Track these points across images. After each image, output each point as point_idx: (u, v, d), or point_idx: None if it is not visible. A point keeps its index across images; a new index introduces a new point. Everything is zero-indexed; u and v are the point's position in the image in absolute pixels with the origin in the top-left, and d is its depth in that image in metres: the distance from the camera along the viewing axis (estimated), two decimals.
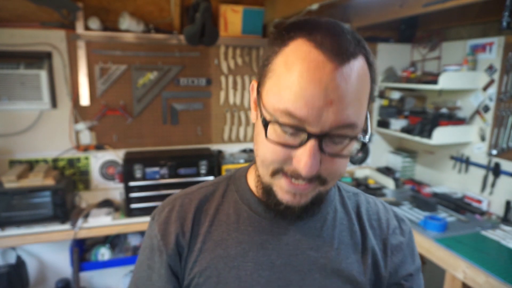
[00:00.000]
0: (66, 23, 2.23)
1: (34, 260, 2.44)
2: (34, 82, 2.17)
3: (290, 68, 0.49)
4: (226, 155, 2.65)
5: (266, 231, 0.62)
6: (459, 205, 2.17)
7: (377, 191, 2.50)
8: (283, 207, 0.57)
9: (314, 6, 1.89)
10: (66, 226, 2.14)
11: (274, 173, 0.54)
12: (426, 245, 1.80)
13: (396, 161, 2.84)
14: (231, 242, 0.62)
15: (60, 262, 2.46)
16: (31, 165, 2.32)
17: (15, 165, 2.29)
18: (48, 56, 2.24)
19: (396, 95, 2.66)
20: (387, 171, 2.77)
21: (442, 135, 2.19)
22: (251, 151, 2.75)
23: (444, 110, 2.37)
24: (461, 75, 2.16)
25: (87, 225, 2.18)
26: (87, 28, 2.25)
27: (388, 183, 2.60)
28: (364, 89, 0.51)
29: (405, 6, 1.94)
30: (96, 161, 2.46)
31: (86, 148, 2.41)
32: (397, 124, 2.55)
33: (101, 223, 2.20)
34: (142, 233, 2.51)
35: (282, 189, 0.55)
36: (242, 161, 2.57)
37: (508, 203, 2.01)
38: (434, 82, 2.15)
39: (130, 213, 2.29)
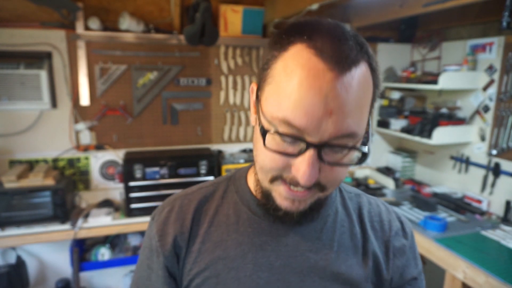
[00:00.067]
0: (66, 23, 2.23)
1: (34, 260, 2.44)
2: (34, 82, 2.17)
3: (290, 75, 0.48)
4: (226, 155, 2.65)
5: (265, 232, 0.62)
6: (459, 205, 2.17)
7: (377, 191, 2.50)
8: (282, 212, 0.57)
9: (314, 6, 1.89)
10: (66, 226, 2.14)
11: (273, 179, 0.54)
12: (426, 245, 1.80)
13: (396, 161, 2.84)
14: (230, 243, 0.62)
15: (60, 262, 2.46)
16: (31, 165, 2.32)
17: (15, 165, 2.29)
18: (48, 56, 2.24)
19: (396, 95, 2.67)
20: (387, 171, 2.77)
21: (442, 135, 2.19)
22: (251, 151, 2.74)
23: (444, 110, 2.37)
24: (461, 75, 2.16)
25: (87, 225, 2.18)
26: (87, 28, 2.25)
27: (388, 183, 2.60)
28: (365, 97, 0.50)
29: (405, 6, 1.94)
30: (96, 161, 2.46)
31: (86, 148, 2.41)
32: (397, 124, 2.55)
33: (101, 223, 2.20)
34: (142, 233, 2.51)
35: (281, 195, 0.55)
36: (242, 161, 2.57)
37: (508, 203, 2.01)
38: (434, 82, 2.15)
39: (130, 213, 2.29)
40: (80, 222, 2.16)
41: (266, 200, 0.58)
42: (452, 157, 2.44)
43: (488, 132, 2.17)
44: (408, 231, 0.69)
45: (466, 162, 2.33)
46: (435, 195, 2.35)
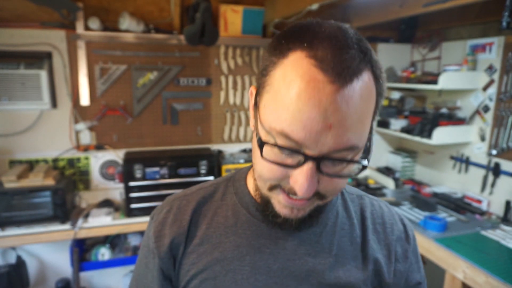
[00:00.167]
0: (66, 23, 2.24)
1: (34, 260, 2.44)
2: (34, 82, 2.17)
3: (288, 86, 0.46)
4: (226, 155, 2.65)
5: (264, 235, 0.62)
6: (459, 205, 2.17)
7: (377, 191, 2.50)
8: (280, 219, 0.57)
9: (314, 6, 1.89)
10: (66, 226, 2.14)
11: (272, 188, 0.53)
12: (426, 245, 1.80)
13: (396, 161, 2.84)
14: (228, 245, 0.62)
15: (60, 262, 2.47)
16: (31, 165, 2.32)
17: (15, 165, 2.29)
18: (48, 56, 2.24)
19: (396, 95, 2.66)
20: (387, 171, 2.77)
21: (442, 135, 2.18)
22: (251, 151, 2.74)
23: (444, 110, 2.37)
24: (461, 75, 2.16)
25: (87, 225, 2.18)
26: (87, 28, 2.25)
27: (388, 183, 2.60)
28: (368, 108, 0.48)
29: (405, 6, 1.94)
30: (96, 161, 2.46)
31: (86, 148, 2.41)
32: (397, 124, 2.55)
33: (101, 223, 2.20)
34: (142, 233, 2.51)
35: (280, 203, 0.54)
36: (242, 161, 2.57)
37: (508, 203, 2.01)
38: (434, 82, 2.15)
39: (130, 213, 2.29)
40: (80, 222, 2.16)
41: (265, 206, 0.58)
42: (452, 157, 2.44)
43: (488, 132, 2.17)
44: (410, 234, 0.69)
45: (466, 162, 2.33)
46: (435, 195, 2.35)
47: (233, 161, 2.56)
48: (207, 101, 2.63)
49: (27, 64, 2.19)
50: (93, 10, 2.26)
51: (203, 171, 2.39)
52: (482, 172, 2.22)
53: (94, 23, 2.22)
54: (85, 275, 2.54)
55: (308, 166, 0.47)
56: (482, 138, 2.21)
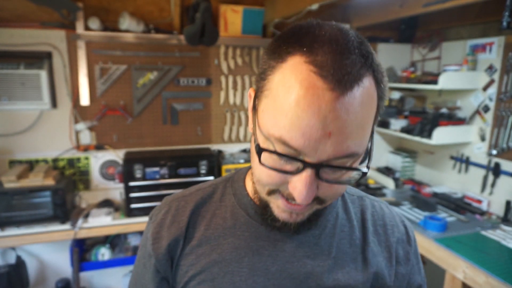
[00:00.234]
0: (66, 23, 2.24)
1: (34, 260, 2.44)
2: (34, 82, 2.17)
3: (287, 91, 0.45)
4: (226, 155, 2.65)
5: (262, 237, 0.61)
6: (459, 205, 2.17)
7: (377, 191, 2.50)
8: (279, 224, 0.56)
9: (314, 6, 1.89)
10: (66, 226, 2.14)
11: (271, 192, 0.53)
12: (426, 245, 1.80)
13: (396, 161, 2.84)
14: (226, 247, 0.61)
15: (60, 262, 2.46)
16: (31, 165, 2.32)
17: (15, 165, 2.29)
18: (48, 56, 2.24)
19: (396, 95, 2.66)
20: (387, 171, 2.77)
21: (442, 135, 2.18)
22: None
23: (444, 110, 2.37)
24: (461, 75, 2.16)
25: (87, 225, 2.18)
26: (87, 28, 2.25)
27: (388, 183, 2.60)
28: (368, 115, 0.47)
29: (405, 6, 1.94)
30: (96, 161, 2.46)
31: (86, 148, 2.41)
32: (397, 124, 2.55)
33: (101, 223, 2.20)
34: (142, 233, 2.50)
35: (279, 207, 0.54)
36: (242, 161, 2.57)
37: (508, 203, 2.01)
38: (434, 82, 2.15)
39: (130, 213, 2.29)
40: (80, 222, 2.16)
41: (263, 210, 0.58)
42: (452, 157, 2.44)
43: (488, 132, 2.17)
44: (411, 236, 0.69)
45: (466, 162, 2.33)
46: (435, 195, 2.35)
47: (233, 161, 2.56)
48: (207, 101, 2.63)
49: (27, 64, 2.19)
50: (93, 10, 2.26)
51: (203, 171, 2.39)
52: (482, 172, 2.22)
53: (94, 23, 2.22)
54: (85, 275, 2.54)
55: (307, 173, 0.47)
56: (482, 138, 2.21)
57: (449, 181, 2.49)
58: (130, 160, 2.28)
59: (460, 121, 2.29)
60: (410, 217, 2.06)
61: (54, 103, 2.30)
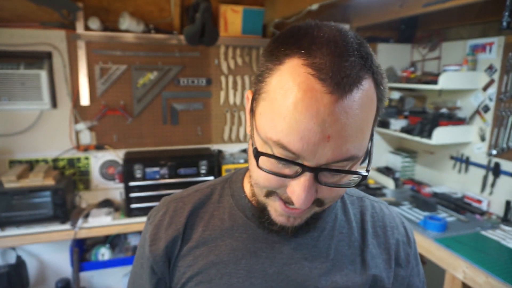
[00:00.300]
0: (66, 23, 2.24)
1: (34, 260, 2.44)
2: (34, 82, 2.17)
3: (285, 95, 0.44)
4: (226, 155, 2.65)
5: (260, 239, 0.61)
6: (459, 205, 2.17)
7: (377, 191, 2.50)
8: (277, 227, 0.56)
9: (314, 6, 1.89)
10: (66, 226, 2.14)
11: (268, 195, 0.53)
12: (426, 245, 1.80)
13: (396, 161, 2.84)
14: (224, 248, 0.61)
15: (60, 262, 2.46)
16: (31, 165, 2.32)
17: (15, 165, 2.29)
18: (48, 56, 2.24)
19: (396, 95, 2.67)
20: (387, 171, 2.77)
21: (442, 135, 2.18)
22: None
23: (444, 110, 2.37)
24: (461, 75, 2.16)
25: (87, 225, 2.18)
26: (87, 28, 2.25)
27: (388, 183, 2.60)
28: (368, 117, 0.46)
29: (405, 6, 1.94)
30: (96, 161, 2.46)
31: (86, 148, 2.41)
32: (397, 124, 2.55)
33: (101, 223, 2.20)
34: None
35: (277, 211, 0.53)
36: (242, 161, 2.57)
37: (508, 203, 2.01)
38: (434, 82, 2.15)
39: (130, 213, 2.29)
40: (80, 222, 2.16)
41: (261, 213, 0.58)
42: (452, 157, 2.44)
43: (488, 132, 2.17)
44: (411, 238, 0.68)
45: (466, 162, 2.33)
46: (435, 195, 2.35)
47: (233, 161, 2.56)
48: (207, 101, 2.63)
49: (27, 64, 2.19)
50: (93, 10, 2.26)
51: (203, 171, 2.39)
52: (482, 172, 2.22)
53: (94, 23, 2.22)
54: (85, 275, 2.53)
55: (305, 177, 0.46)
56: (482, 138, 2.21)
57: (449, 181, 2.49)
58: (130, 160, 2.28)
59: (460, 121, 2.29)
60: (410, 217, 2.06)
61: (54, 103, 2.30)
